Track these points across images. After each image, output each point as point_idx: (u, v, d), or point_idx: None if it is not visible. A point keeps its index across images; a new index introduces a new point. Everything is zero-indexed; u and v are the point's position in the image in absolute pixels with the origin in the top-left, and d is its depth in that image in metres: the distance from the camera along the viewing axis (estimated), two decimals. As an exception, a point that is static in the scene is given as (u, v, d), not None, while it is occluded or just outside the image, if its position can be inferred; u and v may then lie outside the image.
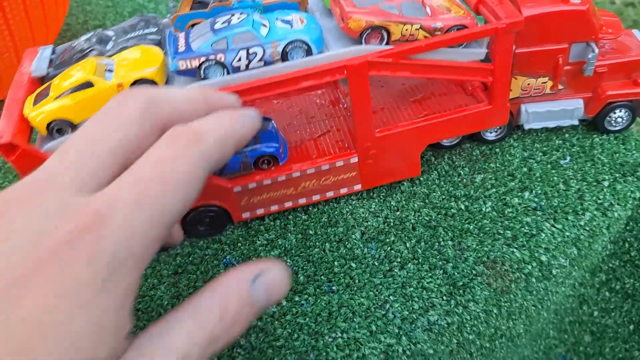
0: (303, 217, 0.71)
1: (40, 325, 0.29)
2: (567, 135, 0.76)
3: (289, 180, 0.67)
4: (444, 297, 0.62)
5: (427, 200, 0.71)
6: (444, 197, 0.71)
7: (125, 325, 0.33)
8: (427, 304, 0.62)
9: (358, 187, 0.71)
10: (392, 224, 0.68)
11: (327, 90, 0.79)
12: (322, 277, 0.64)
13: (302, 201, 0.70)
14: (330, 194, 0.70)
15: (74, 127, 0.59)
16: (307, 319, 0.60)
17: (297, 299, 0.62)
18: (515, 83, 0.71)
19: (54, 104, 0.58)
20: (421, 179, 0.73)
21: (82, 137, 0.38)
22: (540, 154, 0.74)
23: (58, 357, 0.29)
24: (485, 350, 0.69)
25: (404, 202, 0.71)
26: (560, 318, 0.87)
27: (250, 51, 0.57)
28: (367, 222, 0.69)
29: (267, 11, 0.62)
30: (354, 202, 0.72)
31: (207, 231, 0.70)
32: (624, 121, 0.73)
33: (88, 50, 0.61)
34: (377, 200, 0.72)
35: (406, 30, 0.59)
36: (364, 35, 0.59)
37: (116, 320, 0.32)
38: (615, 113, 0.72)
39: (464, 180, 0.72)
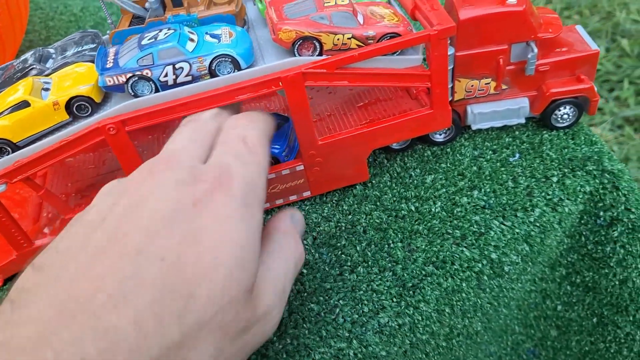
0: (256, 226, 0.71)
1: (216, 232, 0.40)
2: (517, 133, 0.77)
3: None
4: (394, 299, 0.63)
5: (378, 203, 0.71)
6: (395, 199, 0.71)
7: (258, 251, 0.43)
8: (377, 306, 0.62)
9: (307, 193, 0.71)
10: (343, 228, 0.69)
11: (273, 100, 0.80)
12: (274, 285, 0.64)
13: (253, 210, 0.70)
14: (279, 202, 0.71)
15: (14, 146, 0.60)
16: (257, 327, 0.61)
17: (247, 308, 0.62)
18: (459, 85, 0.72)
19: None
20: (373, 181, 0.74)
21: (184, 132, 0.53)
22: (490, 152, 0.75)
23: (234, 254, 0.40)
24: (442, 349, 0.69)
25: (355, 205, 0.72)
26: (524, 313, 0.88)
27: (177, 66, 0.58)
28: (319, 227, 0.70)
29: (202, 25, 0.63)
30: (307, 207, 0.73)
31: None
32: (570, 117, 0.74)
33: (28, 69, 0.62)
34: (329, 205, 0.72)
35: (338, 40, 0.60)
36: (296, 46, 0.59)
37: (255, 242, 0.42)
38: (560, 110, 0.73)
39: (415, 181, 0.73)
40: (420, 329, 0.64)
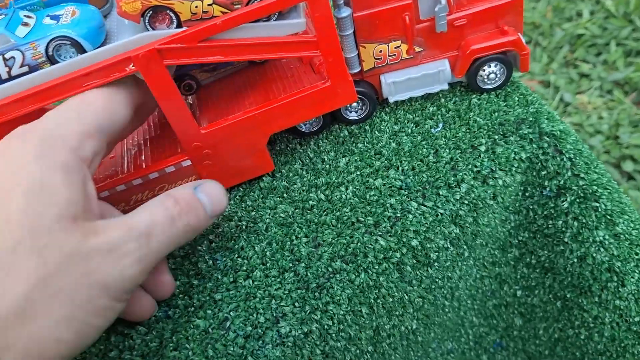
0: (150, 233, 0.63)
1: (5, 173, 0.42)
2: (442, 101, 0.67)
3: (114, 195, 0.59)
4: (296, 304, 0.54)
5: (285, 195, 0.62)
6: (304, 188, 0.62)
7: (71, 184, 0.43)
8: (275, 314, 0.53)
9: (205, 192, 0.63)
10: (244, 227, 0.60)
11: None
12: (159, 302, 0.56)
13: (143, 216, 0.62)
14: (172, 204, 0.62)
15: None
16: (134, 353, 0.52)
17: (126, 331, 0.54)
18: (365, 52, 0.63)
19: None
20: (283, 171, 0.65)
21: None
22: (412, 125, 0.65)
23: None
24: (369, 355, 0.61)
25: (260, 200, 0.63)
26: (481, 303, 0.79)
27: (7, 56, 0.50)
28: (218, 228, 0.61)
29: (48, 7, 0.55)
30: (207, 208, 0.64)
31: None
32: (498, 76, 0.65)
33: None
34: (232, 203, 0.64)
35: (196, 7, 0.51)
36: (147, 19, 0.51)
37: (56, 176, 0.42)
38: (485, 69, 0.64)
39: (327, 166, 0.64)
40: (333, 335, 0.55)
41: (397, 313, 0.61)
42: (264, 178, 0.65)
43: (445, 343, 0.78)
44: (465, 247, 0.63)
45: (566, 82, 2.21)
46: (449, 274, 0.65)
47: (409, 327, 0.64)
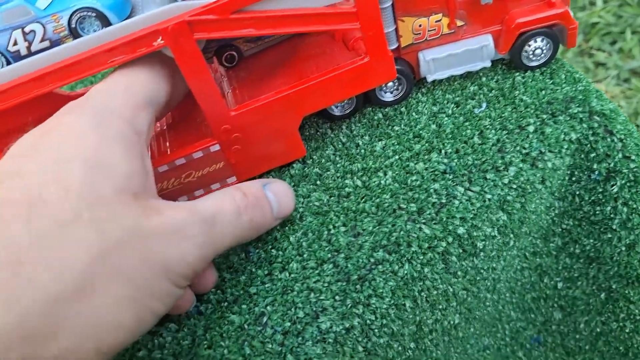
0: (175, 224, 0.59)
1: (60, 144, 0.40)
2: (483, 80, 0.63)
3: None
4: (337, 297, 0.50)
5: (319, 182, 0.58)
6: (338, 175, 0.58)
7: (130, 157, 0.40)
8: (315, 308, 0.49)
9: (233, 180, 0.58)
10: (276, 216, 0.56)
11: None
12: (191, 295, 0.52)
13: (168, 206, 0.58)
14: (199, 193, 0.58)
15: None
16: (165, 352, 0.48)
17: (155, 329, 0.50)
18: (403, 27, 0.58)
19: None
20: (314, 157, 0.61)
21: None
22: (453, 105, 0.61)
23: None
24: (411, 352, 0.57)
25: (292, 188, 0.59)
26: (519, 296, 0.74)
27: (27, 30, 0.46)
28: (248, 219, 0.57)
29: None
30: (234, 197, 0.60)
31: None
32: (544, 52, 0.61)
33: None
34: (261, 191, 0.59)
35: (229, -26, 0.47)
36: (176, -12, 0.47)
37: (114, 147, 0.40)
38: (531, 44, 0.60)
39: (362, 151, 0.60)
40: (376, 330, 0.51)
41: (441, 307, 0.57)
42: (294, 165, 0.61)
43: (483, 339, 0.74)
44: (511, 235, 0.59)
45: (582, 72, 2.16)
46: (494, 265, 0.61)
47: (452, 322, 0.60)
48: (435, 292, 0.55)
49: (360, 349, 0.51)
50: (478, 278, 0.59)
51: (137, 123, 0.42)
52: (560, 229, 0.68)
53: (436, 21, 0.59)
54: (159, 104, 0.47)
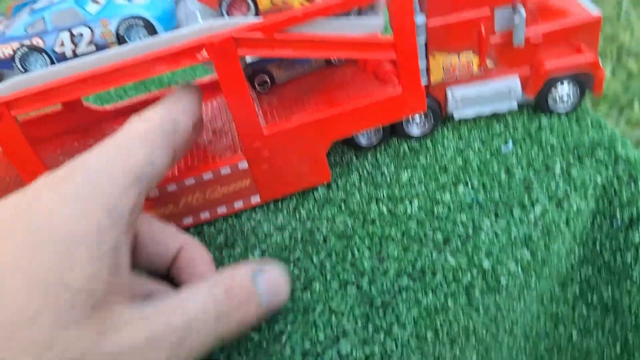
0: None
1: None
2: (509, 121, 0.64)
3: (165, 196, 0.55)
4: (359, 321, 0.49)
5: (343, 207, 0.58)
6: (364, 200, 0.58)
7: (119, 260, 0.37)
8: (336, 331, 0.48)
9: (256, 199, 0.58)
10: (299, 238, 0.56)
11: None
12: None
13: (189, 221, 0.58)
14: (222, 210, 0.58)
15: None
16: (180, 362, 0.47)
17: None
18: (434, 63, 0.60)
19: None
20: (338, 182, 0.61)
21: None
22: (479, 142, 0.62)
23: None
24: (428, 388, 0.55)
25: (316, 211, 0.59)
26: (533, 344, 0.73)
27: (75, 32, 0.47)
28: (270, 238, 0.57)
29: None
30: (258, 216, 0.60)
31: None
32: (571, 98, 0.62)
33: None
34: (284, 212, 0.59)
35: (278, -4, 0.48)
36: (225, 5, 0.48)
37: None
38: (558, 89, 0.61)
39: (388, 179, 0.60)
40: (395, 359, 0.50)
41: (459, 344, 0.56)
42: (318, 189, 0.61)
43: (495, 386, 0.71)
44: (533, 275, 0.58)
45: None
46: (513, 305, 0.59)
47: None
48: (456, 327, 0.54)
49: (378, 378, 0.49)
50: (498, 317, 0.58)
51: (119, 208, 0.38)
52: (579, 276, 0.67)
53: (467, 60, 0.60)
54: (152, 178, 0.42)
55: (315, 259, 0.53)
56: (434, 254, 0.52)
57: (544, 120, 0.63)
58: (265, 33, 0.49)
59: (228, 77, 0.50)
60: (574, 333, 0.72)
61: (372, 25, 0.52)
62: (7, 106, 0.47)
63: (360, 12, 0.53)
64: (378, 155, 0.63)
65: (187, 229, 0.59)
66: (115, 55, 0.48)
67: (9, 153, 0.49)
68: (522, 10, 0.57)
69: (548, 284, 0.66)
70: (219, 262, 0.55)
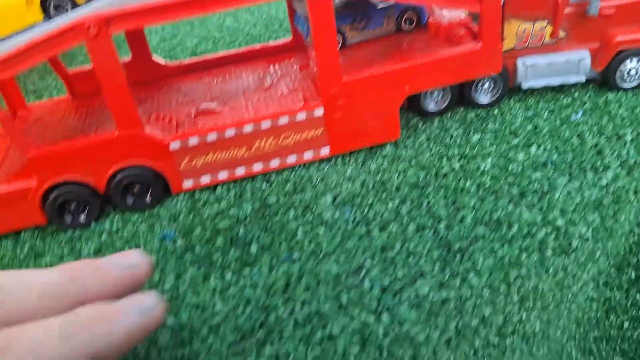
0: (263, 185, 0.58)
1: None
2: (576, 94, 0.65)
3: (240, 137, 0.55)
4: (437, 264, 0.48)
5: (414, 162, 0.58)
6: (435, 157, 0.58)
7: None
8: (414, 271, 0.47)
9: (326, 150, 0.58)
10: (370, 186, 0.56)
11: (296, 58, 0.70)
12: (281, 245, 0.50)
13: (258, 167, 0.58)
14: (292, 160, 0.58)
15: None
16: (258, 290, 0.46)
17: (246, 271, 0.48)
18: (509, 29, 0.61)
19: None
20: (406, 142, 0.61)
21: None
22: (547, 112, 0.62)
23: None
24: (492, 348, 0.54)
25: (386, 165, 0.59)
26: (583, 333, 0.71)
27: None
28: (340, 186, 0.56)
29: None
30: (325, 168, 0.59)
31: (138, 203, 0.57)
32: (638, 74, 0.63)
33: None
34: (353, 166, 0.59)
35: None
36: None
37: None
38: (627, 64, 0.62)
39: (458, 140, 0.60)
40: (469, 309, 0.49)
41: (527, 304, 0.55)
42: (386, 147, 0.61)
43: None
44: (600, 244, 0.58)
45: None
46: (579, 274, 0.59)
47: (532, 328, 0.57)
48: (527, 285, 0.53)
49: (452, 326, 0.48)
50: (565, 283, 0.57)
51: None
52: (636, 259, 0.67)
53: (540, 28, 0.61)
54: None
55: (390, 205, 0.53)
56: (510, 207, 0.52)
57: (610, 96, 0.63)
58: None
59: (320, 16, 0.50)
60: (626, 323, 0.71)
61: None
62: (106, 22, 0.47)
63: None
64: (445, 121, 0.64)
65: (254, 177, 0.59)
66: None
67: (99, 70, 0.49)
68: (600, -19, 0.58)
69: (605, 263, 0.65)
70: (288, 206, 0.55)
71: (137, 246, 0.54)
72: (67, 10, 0.50)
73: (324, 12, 0.50)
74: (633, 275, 0.68)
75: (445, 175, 0.56)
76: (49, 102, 0.71)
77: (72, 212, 0.57)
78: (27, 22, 0.49)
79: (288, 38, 0.72)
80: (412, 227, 0.50)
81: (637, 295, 0.69)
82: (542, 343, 0.62)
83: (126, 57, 0.68)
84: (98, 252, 0.54)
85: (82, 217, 0.57)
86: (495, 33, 0.56)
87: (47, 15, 0.49)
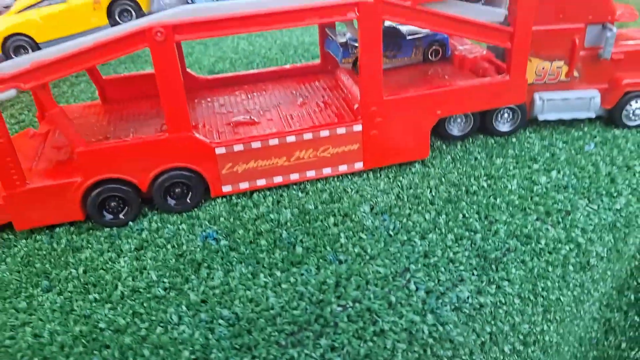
0: (299, 194, 0.61)
1: None
2: (585, 129, 0.70)
3: (282, 146, 0.58)
4: (475, 271, 0.51)
5: (443, 179, 0.62)
6: (462, 176, 0.62)
7: None
8: (455, 276, 0.50)
9: (360, 165, 0.62)
10: (405, 199, 0.59)
11: (325, 79, 0.74)
12: (326, 248, 0.53)
13: (295, 177, 0.60)
14: (327, 171, 0.61)
15: (35, 46, 0.51)
16: (309, 287, 0.48)
17: (294, 270, 0.50)
18: (529, 66, 0.66)
19: (14, 17, 0.50)
20: (433, 162, 0.65)
21: None
22: (561, 142, 0.68)
23: None
24: (517, 355, 0.56)
25: (417, 180, 0.62)
26: (584, 352, 0.75)
27: None
28: (376, 198, 0.59)
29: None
30: (358, 181, 0.62)
31: (179, 205, 0.58)
32: (643, 113, 0.69)
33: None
34: (385, 180, 0.62)
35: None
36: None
37: None
38: (632, 105, 0.68)
39: (483, 162, 0.64)
40: (502, 315, 0.52)
41: (549, 316, 0.58)
42: (415, 165, 0.65)
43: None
44: (610, 265, 0.62)
45: None
46: (592, 292, 0.63)
47: (550, 339, 0.60)
48: (551, 296, 0.56)
49: (487, 329, 0.51)
50: (581, 298, 0.61)
51: None
52: (635, 283, 0.71)
53: (557, 67, 0.67)
54: None
55: (427, 216, 0.56)
56: (538, 223, 0.56)
57: (617, 131, 0.69)
58: (412, 2, 0.54)
59: (369, 38, 0.54)
60: (623, 343, 0.75)
61: (495, 13, 0.59)
62: (174, 29, 0.50)
63: (484, 2, 0.59)
64: (467, 145, 0.68)
65: (288, 185, 0.61)
66: (272, 0, 0.52)
67: (160, 74, 0.51)
68: (614, 28, 0.64)
69: (608, 286, 0.69)
70: (327, 213, 0.57)
71: (179, 245, 0.55)
72: (131, 18, 0.52)
73: (374, 34, 0.55)
74: (632, 297, 0.72)
75: (475, 192, 0.59)
76: (79, 105, 0.72)
77: (112, 209, 0.58)
78: (91, 25, 0.51)
79: (316, 61, 0.76)
80: (450, 237, 0.53)
81: (635, 317, 0.73)
82: (554, 356, 0.65)
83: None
84: (140, 249, 0.55)
85: (122, 216, 0.58)
86: (522, 67, 0.61)
87: (112, 20, 0.52)
